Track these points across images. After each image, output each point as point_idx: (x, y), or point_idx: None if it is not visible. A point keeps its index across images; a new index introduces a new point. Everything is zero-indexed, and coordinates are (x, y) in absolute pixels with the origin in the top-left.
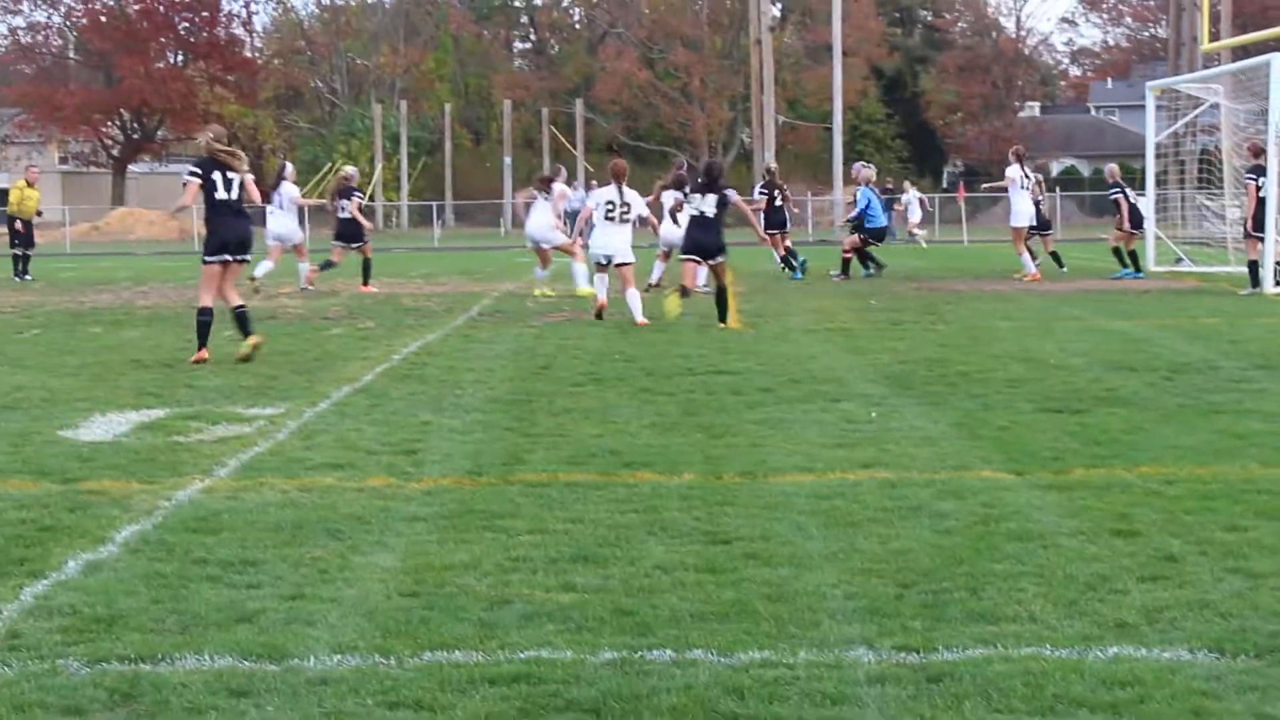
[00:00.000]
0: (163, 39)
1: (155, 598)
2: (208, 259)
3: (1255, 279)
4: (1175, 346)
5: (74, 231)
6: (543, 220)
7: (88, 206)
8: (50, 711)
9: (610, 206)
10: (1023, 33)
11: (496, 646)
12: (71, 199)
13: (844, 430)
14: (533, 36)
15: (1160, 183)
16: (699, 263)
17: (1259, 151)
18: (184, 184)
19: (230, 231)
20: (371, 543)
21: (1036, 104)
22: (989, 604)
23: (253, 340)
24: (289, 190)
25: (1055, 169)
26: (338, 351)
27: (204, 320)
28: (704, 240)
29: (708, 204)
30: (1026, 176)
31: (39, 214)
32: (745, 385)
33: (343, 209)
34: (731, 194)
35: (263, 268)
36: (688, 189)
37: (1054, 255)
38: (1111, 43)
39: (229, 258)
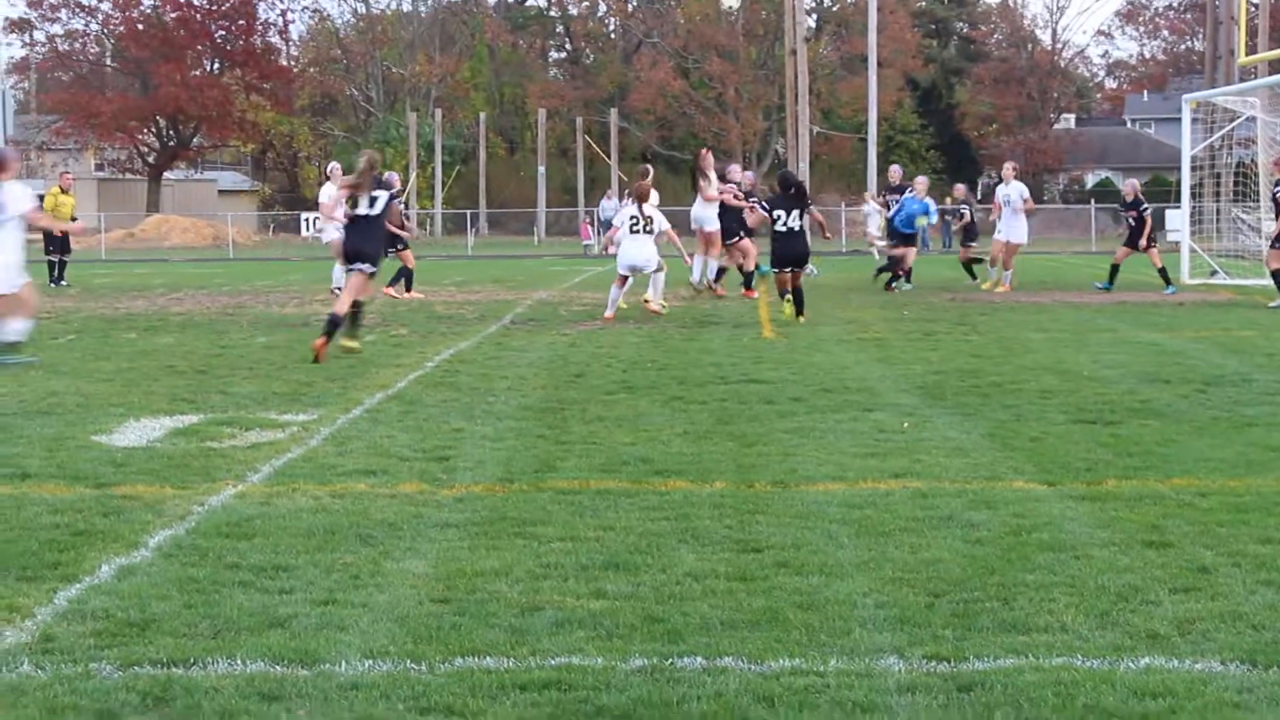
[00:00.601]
0: (199, 47)
1: (188, 602)
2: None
3: None
4: (1209, 359)
5: (109, 238)
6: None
7: (123, 213)
8: (83, 714)
9: (634, 221)
10: (1059, 45)
11: (527, 653)
12: (107, 206)
13: (876, 440)
14: (568, 46)
15: (1195, 195)
16: (792, 274)
17: None
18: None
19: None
20: (403, 549)
21: (1072, 116)
22: (1020, 614)
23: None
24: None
25: (1090, 181)
26: (371, 358)
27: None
28: (797, 250)
29: (794, 218)
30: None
31: (74, 220)
32: (777, 394)
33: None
34: (811, 206)
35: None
36: (762, 201)
37: (968, 266)
38: (1148, 55)
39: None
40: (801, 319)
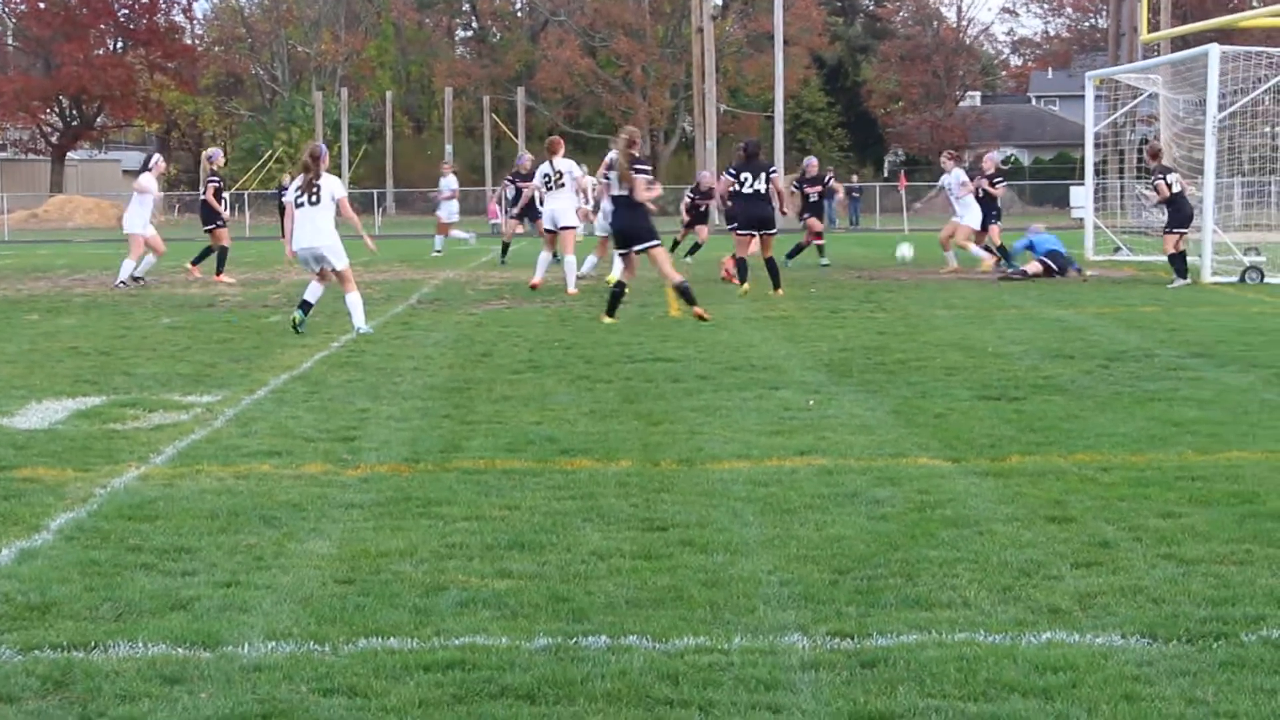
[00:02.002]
0: (102, 25)
1: (89, 585)
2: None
3: (1181, 271)
4: (1112, 335)
5: (12, 219)
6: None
7: (26, 194)
8: None
9: (546, 178)
10: (964, 22)
11: (431, 633)
12: (9, 186)
13: (782, 418)
14: (474, 24)
15: (1100, 172)
16: (763, 242)
17: (1157, 153)
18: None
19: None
20: (307, 530)
21: (978, 94)
22: (923, 590)
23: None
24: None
25: (996, 158)
26: (276, 339)
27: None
28: (762, 213)
29: (760, 182)
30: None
31: None
32: (684, 373)
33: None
34: (775, 171)
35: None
36: (729, 169)
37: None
38: (1052, 33)
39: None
40: (779, 292)
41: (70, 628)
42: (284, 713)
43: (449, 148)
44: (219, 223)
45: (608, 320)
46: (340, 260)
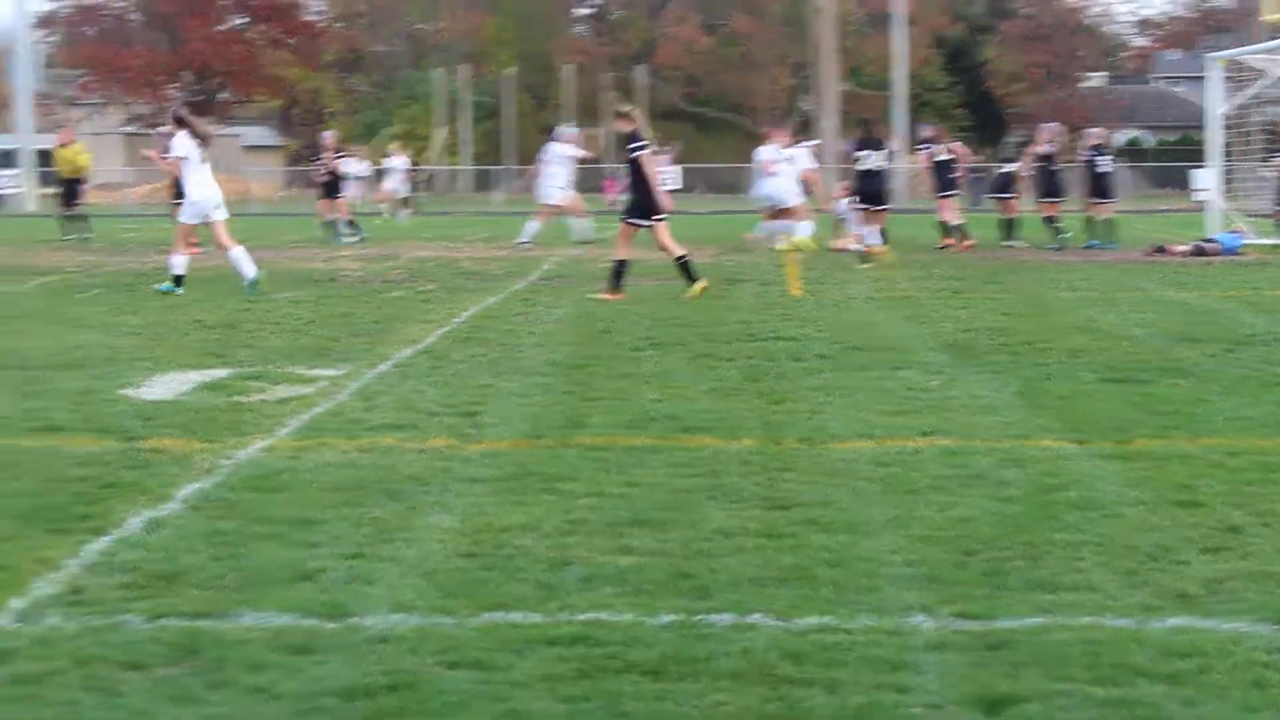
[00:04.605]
0: (224, 1)
1: (216, 555)
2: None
3: None
4: (1239, 318)
5: (135, 193)
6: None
7: (150, 169)
8: (112, 665)
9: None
10: (1085, 2)
11: (556, 608)
12: (134, 161)
13: (904, 398)
14: (594, 1)
15: (1225, 155)
16: (872, 211)
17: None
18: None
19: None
20: (431, 503)
21: (1102, 74)
22: (1049, 573)
23: (700, 286)
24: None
25: (1120, 140)
26: (399, 314)
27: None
28: (878, 188)
29: (877, 159)
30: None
31: (76, 175)
32: (805, 351)
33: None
34: (894, 147)
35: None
36: (851, 146)
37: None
38: (1176, 13)
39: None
40: (865, 266)
41: (198, 597)
42: (410, 684)
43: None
44: (338, 195)
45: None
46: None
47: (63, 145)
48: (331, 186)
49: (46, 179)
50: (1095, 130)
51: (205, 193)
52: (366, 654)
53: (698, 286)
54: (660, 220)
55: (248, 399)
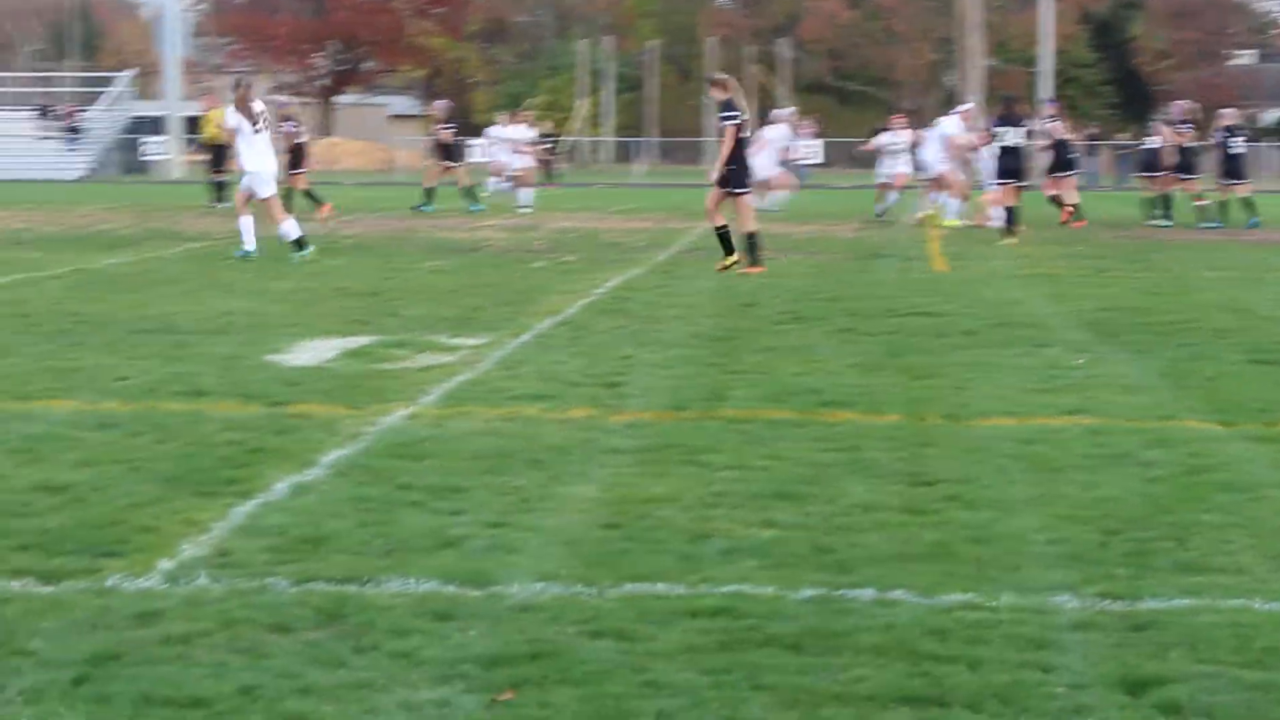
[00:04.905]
0: None
1: (361, 521)
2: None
3: None
4: None
5: (281, 161)
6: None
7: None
8: (258, 628)
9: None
10: None
11: (697, 580)
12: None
13: (1048, 376)
14: None
15: None
16: (1013, 187)
17: None
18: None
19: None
20: (573, 473)
21: (1251, 52)
22: (1196, 554)
23: (733, 261)
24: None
25: (1267, 119)
26: (541, 284)
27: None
28: (1016, 164)
29: (1015, 136)
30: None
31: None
32: (949, 328)
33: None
34: (1031, 124)
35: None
36: (991, 123)
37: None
38: None
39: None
40: (1014, 240)
41: (343, 562)
42: (552, 654)
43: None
44: (455, 163)
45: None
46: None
47: (208, 111)
48: (446, 154)
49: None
50: (1228, 111)
51: (261, 163)
52: (509, 623)
53: (731, 260)
54: (746, 192)
55: (391, 366)
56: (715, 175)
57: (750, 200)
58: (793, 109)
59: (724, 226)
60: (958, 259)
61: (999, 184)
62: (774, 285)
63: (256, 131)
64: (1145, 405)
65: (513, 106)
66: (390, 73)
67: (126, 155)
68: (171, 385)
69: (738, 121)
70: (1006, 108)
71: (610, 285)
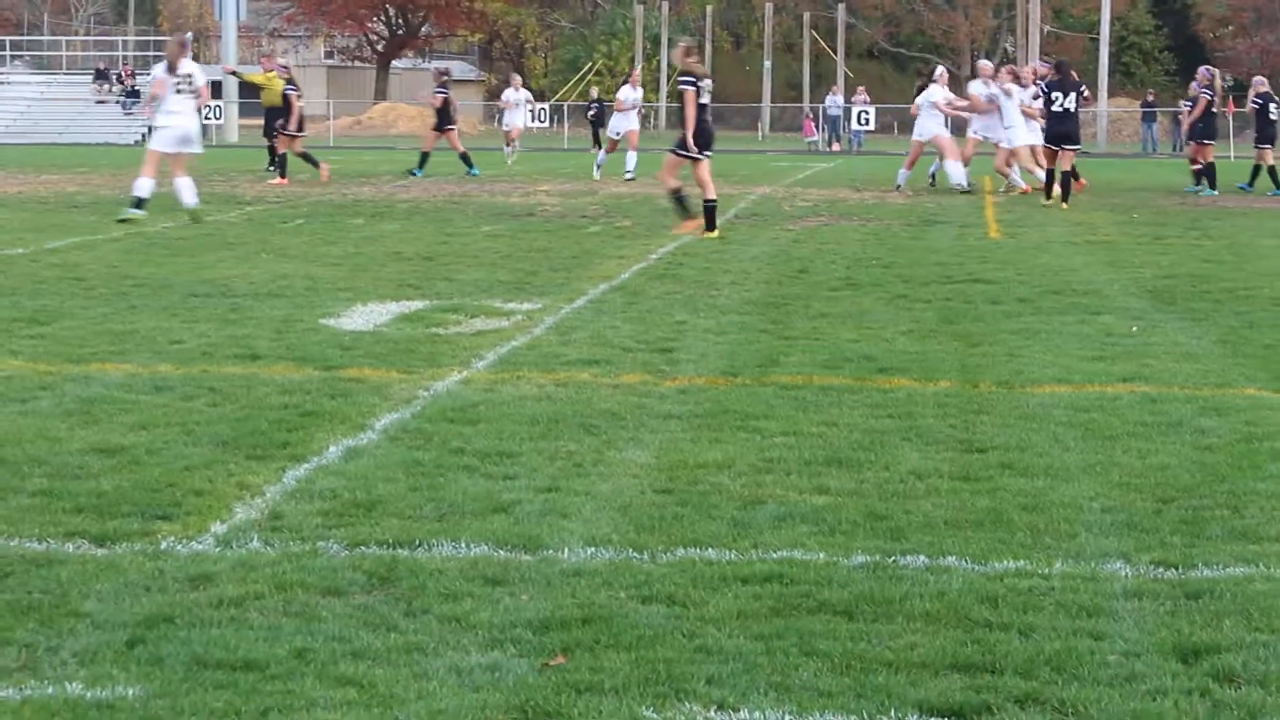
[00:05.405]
0: None
1: (413, 485)
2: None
3: None
4: None
5: (337, 125)
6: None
7: (351, 100)
8: (310, 591)
9: None
10: None
11: (749, 546)
12: (336, 93)
13: (1103, 343)
14: None
15: None
16: (1063, 151)
17: None
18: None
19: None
20: (626, 439)
21: None
22: (1251, 523)
23: (693, 225)
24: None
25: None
26: (595, 249)
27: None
28: (1068, 129)
29: (1069, 101)
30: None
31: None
32: (1003, 295)
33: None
34: (1084, 90)
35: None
36: (1044, 85)
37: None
38: None
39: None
40: (1065, 205)
41: (395, 526)
42: (604, 618)
43: (767, 64)
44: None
45: (710, 234)
46: (200, 147)
47: (265, 74)
48: (440, 119)
49: (249, 110)
50: (1259, 79)
51: (175, 121)
52: (560, 587)
53: (689, 224)
54: (703, 157)
55: (445, 331)
56: (687, 140)
57: (708, 165)
58: (942, 69)
59: (678, 189)
60: (1013, 226)
61: (1046, 147)
62: (828, 251)
63: (178, 91)
64: (1201, 373)
65: (570, 72)
66: (447, 37)
67: None
68: (226, 349)
69: (694, 87)
70: (1060, 72)
71: (664, 251)
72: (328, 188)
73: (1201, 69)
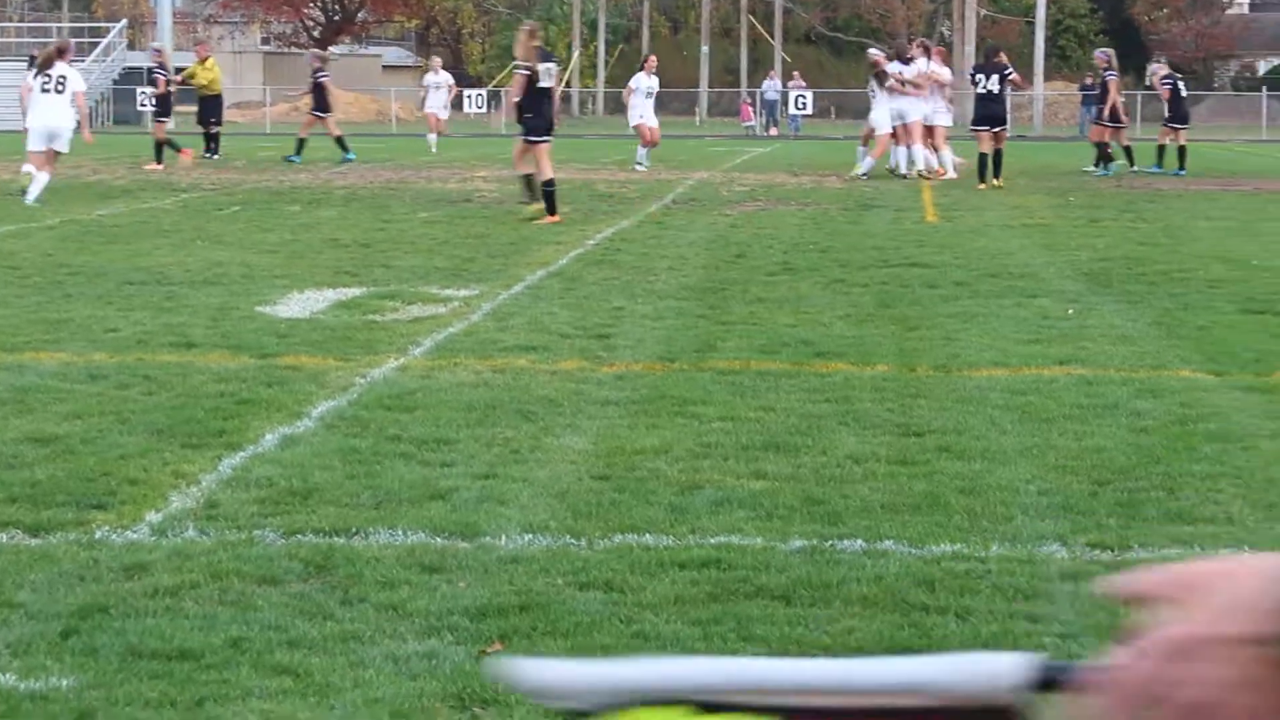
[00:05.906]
0: None
1: (350, 473)
2: (537, 139)
3: None
4: None
5: (274, 111)
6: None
7: (288, 87)
8: (246, 580)
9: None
10: None
11: (687, 531)
12: (272, 80)
13: (1040, 326)
14: None
15: None
16: (988, 133)
17: None
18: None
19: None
20: (563, 425)
21: (1245, 1)
22: (1186, 504)
23: (537, 208)
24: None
25: (1262, 69)
26: (532, 236)
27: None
28: (994, 111)
29: (993, 83)
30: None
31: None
32: (940, 279)
33: None
34: (1011, 72)
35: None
36: (971, 70)
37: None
38: None
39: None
40: (998, 182)
41: (332, 514)
42: (541, 605)
43: (705, 49)
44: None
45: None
46: (66, 146)
47: (201, 61)
48: (317, 104)
49: (184, 97)
50: (1155, 65)
51: (39, 121)
52: (498, 574)
53: (535, 207)
54: (544, 141)
55: (382, 318)
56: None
57: (548, 149)
58: (875, 50)
59: (530, 175)
60: (950, 210)
61: (974, 130)
62: (765, 236)
63: (44, 91)
64: (1136, 355)
65: (507, 58)
66: (384, 23)
67: (122, 106)
68: (161, 337)
69: (527, 72)
70: (985, 56)
71: (602, 236)
72: (264, 175)
73: (1098, 52)
